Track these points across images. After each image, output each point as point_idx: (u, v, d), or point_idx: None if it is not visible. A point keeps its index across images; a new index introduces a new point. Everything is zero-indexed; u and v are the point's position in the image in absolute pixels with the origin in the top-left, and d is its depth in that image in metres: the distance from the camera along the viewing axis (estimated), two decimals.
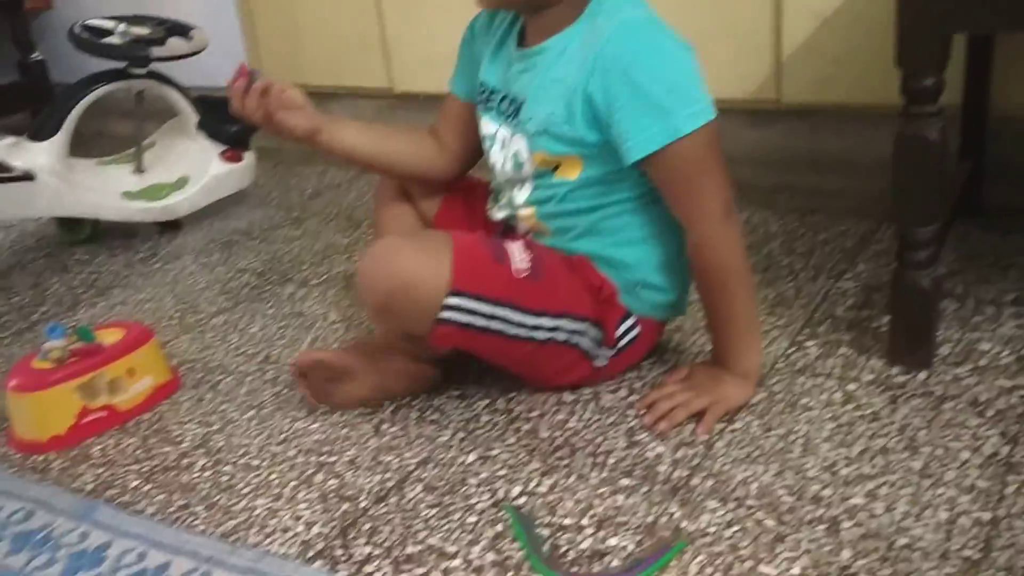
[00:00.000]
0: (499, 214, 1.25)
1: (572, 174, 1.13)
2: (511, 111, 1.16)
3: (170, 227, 2.03)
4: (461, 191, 1.32)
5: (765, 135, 1.91)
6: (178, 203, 1.99)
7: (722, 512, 0.99)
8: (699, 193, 1.09)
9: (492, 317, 1.10)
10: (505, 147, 1.19)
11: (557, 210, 1.17)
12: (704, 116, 1.05)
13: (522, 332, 1.12)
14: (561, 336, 1.14)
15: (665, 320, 1.26)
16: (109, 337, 1.32)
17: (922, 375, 1.18)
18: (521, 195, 1.19)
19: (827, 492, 1.00)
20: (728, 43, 1.84)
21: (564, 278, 1.15)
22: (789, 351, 1.27)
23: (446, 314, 1.07)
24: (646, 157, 1.05)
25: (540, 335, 1.13)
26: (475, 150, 1.28)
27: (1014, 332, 1.25)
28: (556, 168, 1.14)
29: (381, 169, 1.30)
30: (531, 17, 1.14)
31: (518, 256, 1.12)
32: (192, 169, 2.03)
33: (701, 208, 1.09)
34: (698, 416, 1.13)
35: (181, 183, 2.01)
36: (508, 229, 1.25)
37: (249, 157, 2.09)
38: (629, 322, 1.19)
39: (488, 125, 1.21)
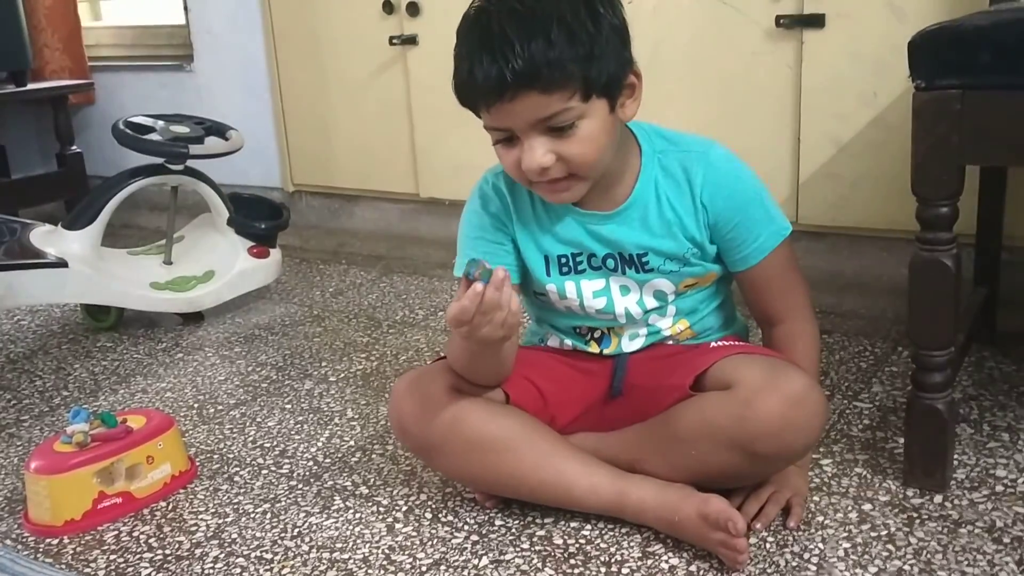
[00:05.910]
0: (633, 346, 1.25)
1: (708, 282, 1.24)
2: (626, 261, 1.19)
3: (193, 319, 2.07)
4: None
5: None
6: (204, 295, 2.03)
7: None
8: (795, 288, 1.23)
9: None
10: (630, 292, 1.21)
11: (705, 312, 1.26)
12: (787, 220, 1.21)
13: None
14: None
15: None
16: (131, 424, 1.34)
17: (938, 498, 1.18)
18: (664, 321, 1.24)
19: None
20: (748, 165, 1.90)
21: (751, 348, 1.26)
22: None
23: None
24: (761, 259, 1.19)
25: None
26: None
27: None
28: (694, 284, 1.23)
29: (496, 366, 1.18)
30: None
31: None
32: (219, 263, 2.08)
33: (797, 301, 1.23)
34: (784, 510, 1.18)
35: (208, 276, 2.06)
36: (620, 356, 1.25)
37: (275, 254, 2.14)
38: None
39: (591, 283, 1.21)
